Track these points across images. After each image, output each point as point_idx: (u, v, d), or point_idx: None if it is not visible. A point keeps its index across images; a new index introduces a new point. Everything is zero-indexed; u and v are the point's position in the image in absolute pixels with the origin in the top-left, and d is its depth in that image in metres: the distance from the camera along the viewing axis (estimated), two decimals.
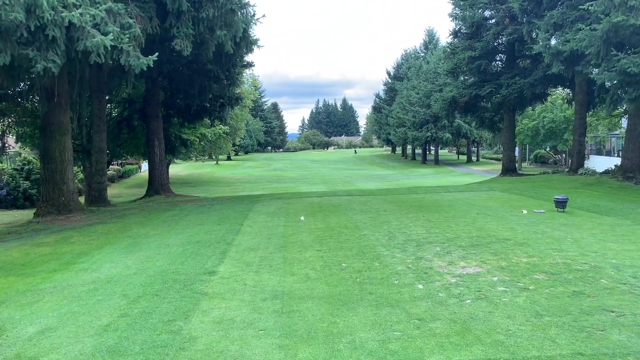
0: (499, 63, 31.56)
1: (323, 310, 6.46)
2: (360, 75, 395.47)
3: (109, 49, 11.60)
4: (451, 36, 32.31)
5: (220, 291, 7.50)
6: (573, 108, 33.42)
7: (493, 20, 29.33)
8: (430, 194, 19.73)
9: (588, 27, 17.73)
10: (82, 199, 29.24)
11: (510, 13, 26.07)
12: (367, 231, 11.82)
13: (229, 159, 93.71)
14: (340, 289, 7.39)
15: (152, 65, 12.66)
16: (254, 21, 19.16)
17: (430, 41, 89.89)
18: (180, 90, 25.85)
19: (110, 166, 54.33)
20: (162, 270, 8.86)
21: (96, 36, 11.20)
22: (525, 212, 14.30)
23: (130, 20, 12.40)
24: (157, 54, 12.63)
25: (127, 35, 12.22)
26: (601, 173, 24.45)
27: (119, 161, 58.06)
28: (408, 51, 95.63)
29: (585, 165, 26.95)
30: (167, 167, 52.29)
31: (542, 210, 14.41)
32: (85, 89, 18.72)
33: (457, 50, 30.04)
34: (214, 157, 75.21)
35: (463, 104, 30.55)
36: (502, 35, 26.91)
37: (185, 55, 14.85)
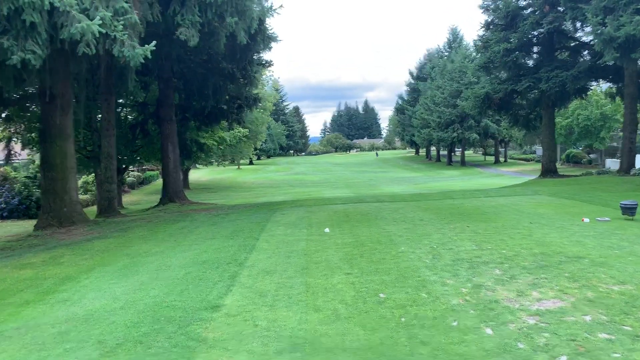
0: (536, 56, 29.25)
1: None
2: (381, 77, 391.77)
3: (98, 36, 9.97)
4: (483, 29, 30.10)
5: (224, 336, 5.72)
6: (617, 102, 31.09)
7: (529, 10, 27.14)
8: (469, 199, 17.72)
9: None
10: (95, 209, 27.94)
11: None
12: (405, 247, 9.93)
13: (251, 163, 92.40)
14: (380, 335, 5.54)
15: (149, 57, 10.98)
16: (270, 12, 17.43)
17: (455, 40, 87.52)
18: (195, 92, 24.26)
19: (131, 173, 53.30)
20: (155, 303, 7.12)
21: (82, 21, 9.58)
22: (587, 220, 12.25)
23: (126, 5, 10.73)
24: (154, 42, 10.95)
25: (122, 22, 10.56)
26: None
27: (141, 167, 57.01)
28: (431, 51, 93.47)
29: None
30: (187, 173, 51.29)
31: (607, 218, 12.33)
32: (82, 88, 17.16)
33: (491, 43, 27.88)
34: (235, 161, 73.83)
35: (497, 101, 28.38)
36: (542, 24, 24.69)
37: (192, 45, 13.13)
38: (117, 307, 7.15)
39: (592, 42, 19.02)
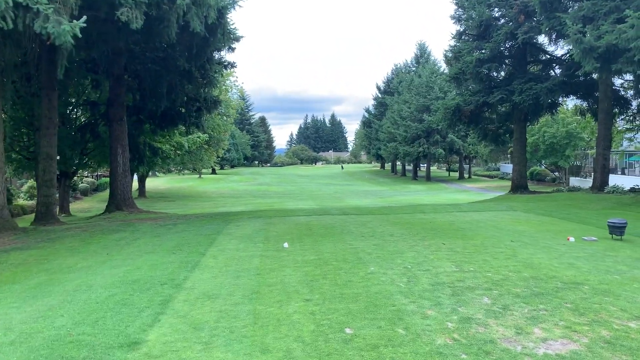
0: (508, 69, 28.51)
1: None
2: (348, 91, 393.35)
3: (12, 5, 8.31)
4: (454, 39, 29.26)
5: None
6: (586, 120, 30.88)
7: (502, 21, 26.42)
8: (441, 214, 16.52)
9: (637, 15, 14.69)
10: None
11: (526, 9, 23.13)
12: (375, 267, 8.54)
13: (213, 172, 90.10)
14: None
15: (79, 35, 9.35)
16: (232, 5, 15.95)
17: (422, 55, 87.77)
18: (148, 91, 22.45)
19: (84, 178, 50.60)
20: (57, 337, 5.50)
21: None
22: (572, 239, 11.16)
23: None
24: (85, 17, 9.34)
25: None
26: (629, 191, 21.45)
27: (96, 173, 54.25)
28: (398, 65, 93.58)
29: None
30: (144, 180, 48.90)
31: (594, 238, 11.26)
32: (9, 75, 15.21)
33: (463, 53, 27.01)
34: (196, 170, 71.42)
35: (468, 113, 27.49)
36: (517, 34, 23.88)
37: (135, 28, 11.44)
38: (5, 341, 5.49)
39: (569, 53, 18.23)
